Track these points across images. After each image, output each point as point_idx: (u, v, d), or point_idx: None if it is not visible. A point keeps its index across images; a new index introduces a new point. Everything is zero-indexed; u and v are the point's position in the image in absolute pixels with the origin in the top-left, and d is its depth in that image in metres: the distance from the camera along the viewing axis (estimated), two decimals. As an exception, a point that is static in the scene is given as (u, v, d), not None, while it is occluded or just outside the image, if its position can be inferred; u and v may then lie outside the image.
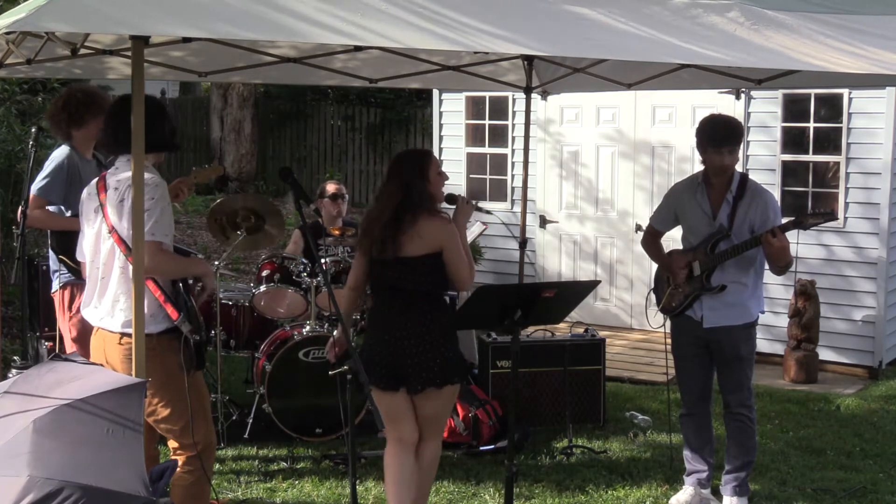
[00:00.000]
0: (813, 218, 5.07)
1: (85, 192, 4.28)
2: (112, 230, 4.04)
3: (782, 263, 5.02)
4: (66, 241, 5.48)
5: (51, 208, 5.56)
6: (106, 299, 4.12)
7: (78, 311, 5.43)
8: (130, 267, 3.85)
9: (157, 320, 4.04)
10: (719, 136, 5.08)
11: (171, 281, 4.11)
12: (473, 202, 4.75)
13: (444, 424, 4.73)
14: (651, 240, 5.52)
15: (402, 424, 4.58)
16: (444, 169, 4.80)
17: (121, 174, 4.07)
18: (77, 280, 5.46)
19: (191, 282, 4.29)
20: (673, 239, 5.55)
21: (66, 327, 5.57)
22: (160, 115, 4.13)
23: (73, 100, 5.45)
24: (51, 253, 5.61)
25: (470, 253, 4.60)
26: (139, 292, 3.66)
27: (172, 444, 4.21)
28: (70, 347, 5.47)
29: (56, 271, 5.58)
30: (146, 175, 3.88)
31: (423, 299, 4.51)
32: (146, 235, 3.81)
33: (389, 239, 4.45)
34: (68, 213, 5.47)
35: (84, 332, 5.18)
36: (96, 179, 4.25)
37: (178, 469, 4.10)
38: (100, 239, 4.14)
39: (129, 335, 3.95)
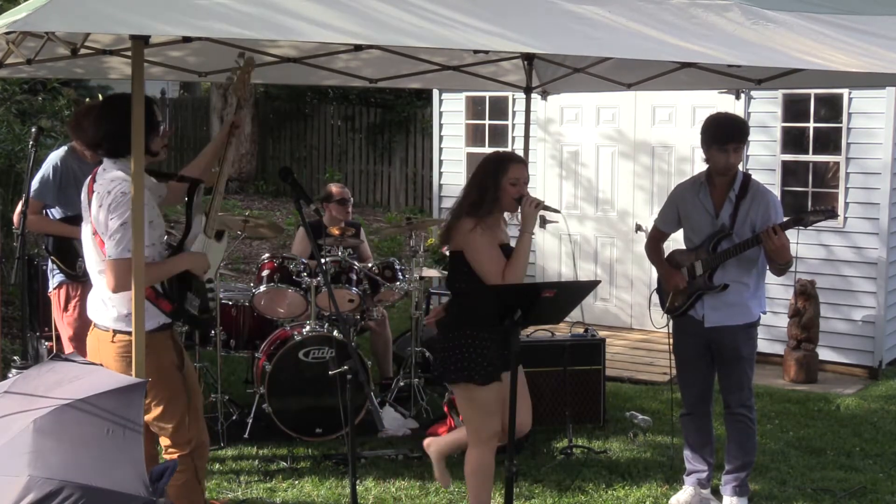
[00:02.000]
0: (814, 215, 5.08)
1: (83, 191, 4.29)
2: (95, 232, 4.05)
3: (781, 262, 5.02)
4: (61, 243, 5.56)
5: (53, 211, 5.61)
6: (99, 297, 4.13)
7: (73, 309, 5.49)
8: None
9: (148, 317, 4.03)
10: (724, 133, 5.07)
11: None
12: (539, 203, 4.59)
13: (476, 430, 4.63)
14: (654, 245, 5.48)
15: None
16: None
17: (105, 175, 4.05)
18: (69, 280, 5.53)
19: None
20: (674, 240, 5.55)
21: (62, 326, 5.61)
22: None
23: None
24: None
25: (520, 257, 4.54)
26: (139, 292, 3.66)
27: (164, 441, 4.21)
28: (67, 346, 5.50)
29: (52, 271, 5.64)
30: (121, 180, 3.90)
31: (455, 295, 4.73)
32: (114, 256, 3.86)
33: (444, 239, 4.76)
34: (67, 213, 5.54)
35: (80, 331, 5.22)
36: (88, 180, 4.25)
37: None
38: (90, 239, 4.15)
39: (120, 332, 4.00)
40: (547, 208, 4.68)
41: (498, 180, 4.57)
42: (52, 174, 5.55)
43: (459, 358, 4.53)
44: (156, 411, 4.12)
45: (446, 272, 4.88)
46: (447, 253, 4.83)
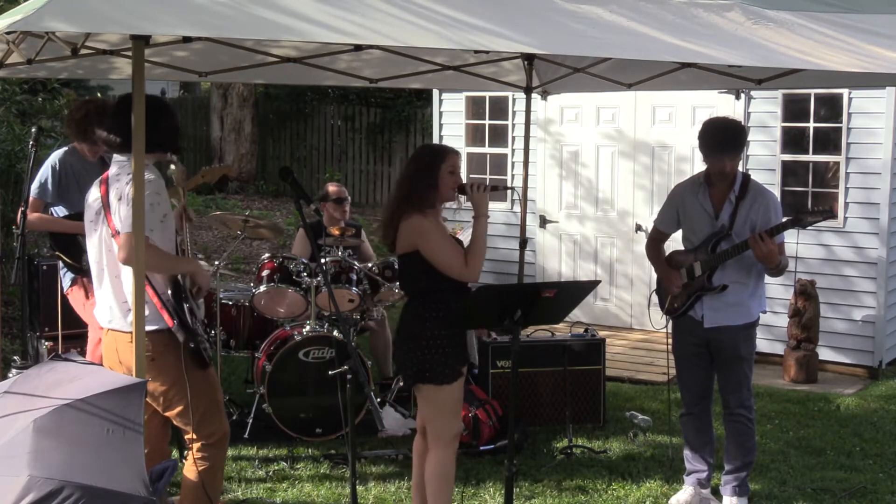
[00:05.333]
0: (811, 216, 5.08)
1: (89, 194, 4.29)
2: (116, 233, 4.05)
3: (771, 266, 5.02)
4: (64, 239, 5.58)
5: (56, 209, 5.64)
6: (117, 299, 4.14)
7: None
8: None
9: (168, 317, 4.06)
10: (718, 144, 5.06)
11: (168, 287, 4.11)
12: (487, 186, 4.53)
13: (439, 431, 4.53)
14: (654, 245, 5.48)
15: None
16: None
17: (118, 174, 4.08)
18: (80, 275, 5.56)
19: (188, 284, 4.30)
20: (674, 240, 5.55)
21: (90, 317, 5.61)
22: (161, 115, 4.10)
23: (90, 115, 5.49)
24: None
25: (478, 242, 4.46)
26: (139, 292, 3.67)
27: (189, 435, 4.27)
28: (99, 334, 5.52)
29: (63, 270, 5.68)
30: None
31: (413, 297, 4.58)
32: (129, 228, 3.83)
33: (387, 236, 4.59)
34: (70, 212, 5.58)
35: None
36: (98, 181, 4.25)
37: (195, 457, 4.22)
38: (106, 240, 4.14)
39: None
40: (496, 188, 4.66)
41: (435, 171, 4.48)
42: (51, 174, 5.62)
43: (420, 359, 4.44)
44: (180, 406, 4.17)
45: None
46: (394, 258, 4.68)
